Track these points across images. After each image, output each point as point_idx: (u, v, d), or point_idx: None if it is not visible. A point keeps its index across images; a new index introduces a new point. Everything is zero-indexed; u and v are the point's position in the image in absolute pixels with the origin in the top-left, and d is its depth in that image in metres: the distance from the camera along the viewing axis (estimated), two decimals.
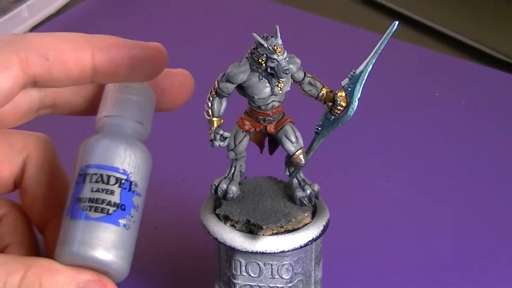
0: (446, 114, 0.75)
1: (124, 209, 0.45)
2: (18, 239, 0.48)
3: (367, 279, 0.58)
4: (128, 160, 0.45)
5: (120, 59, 0.46)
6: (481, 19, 0.91)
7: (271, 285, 0.50)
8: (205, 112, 0.48)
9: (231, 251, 0.49)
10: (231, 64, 0.47)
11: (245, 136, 0.49)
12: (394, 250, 0.61)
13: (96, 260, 0.44)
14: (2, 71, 0.43)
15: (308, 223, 0.49)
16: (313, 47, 0.83)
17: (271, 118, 0.49)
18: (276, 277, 0.50)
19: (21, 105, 0.48)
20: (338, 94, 0.48)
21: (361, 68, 0.48)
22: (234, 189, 0.50)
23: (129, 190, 0.45)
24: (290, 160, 0.49)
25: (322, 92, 0.48)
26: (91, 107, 0.49)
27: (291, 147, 0.49)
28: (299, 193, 0.50)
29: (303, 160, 0.49)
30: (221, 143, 0.49)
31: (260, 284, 0.50)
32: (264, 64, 0.46)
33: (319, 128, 0.49)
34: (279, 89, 0.47)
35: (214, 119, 0.48)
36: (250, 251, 0.48)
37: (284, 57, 0.46)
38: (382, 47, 0.47)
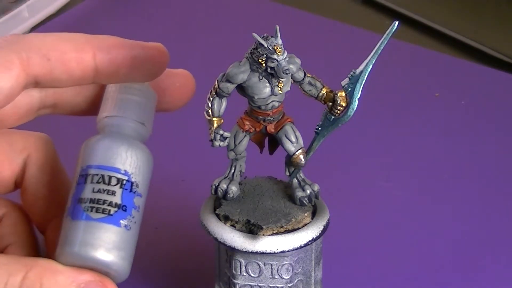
0: (446, 114, 0.75)
1: (125, 210, 0.45)
2: (18, 239, 0.48)
3: (367, 279, 0.58)
4: (129, 161, 0.45)
5: (121, 60, 0.46)
6: (481, 19, 0.91)
7: (271, 285, 0.50)
8: (205, 112, 0.48)
9: (231, 251, 0.49)
10: (231, 64, 0.47)
11: (245, 136, 0.49)
12: (394, 250, 0.61)
13: (97, 261, 0.44)
14: (3, 72, 0.43)
15: (308, 223, 0.49)
16: (313, 47, 0.83)
17: (271, 118, 0.49)
18: (276, 277, 0.50)
19: (22, 105, 0.48)
20: (338, 94, 0.48)
21: (361, 68, 0.48)
22: (234, 189, 0.50)
23: (130, 191, 0.45)
24: (290, 160, 0.49)
25: (322, 92, 0.48)
26: (92, 107, 0.49)
27: (291, 147, 0.49)
28: (299, 193, 0.50)
29: (303, 160, 0.49)
30: (221, 143, 0.49)
31: (260, 284, 0.50)
32: (264, 64, 0.46)
33: (319, 128, 0.49)
34: (279, 89, 0.47)
35: (214, 119, 0.48)
36: (250, 251, 0.48)
37: (284, 57, 0.46)
38: (382, 47, 0.47)
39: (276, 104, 0.48)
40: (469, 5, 0.93)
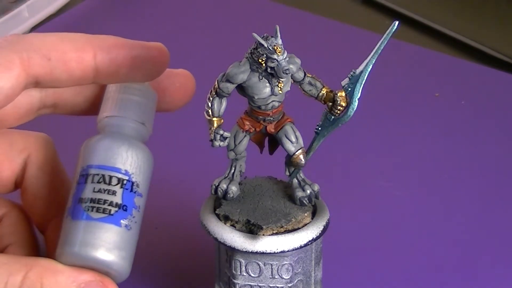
0: (446, 114, 0.75)
1: (125, 210, 0.45)
2: (18, 239, 0.48)
3: (367, 279, 0.58)
4: (130, 161, 0.45)
5: (121, 59, 0.46)
6: (481, 19, 0.91)
7: (271, 285, 0.50)
8: (205, 112, 0.48)
9: (231, 251, 0.49)
10: (231, 64, 0.47)
11: (245, 136, 0.49)
12: (394, 250, 0.61)
13: (97, 261, 0.44)
14: (4, 72, 0.43)
15: (308, 223, 0.49)
16: (313, 47, 0.83)
17: (271, 118, 0.49)
18: (276, 277, 0.50)
19: (22, 104, 0.48)
20: (338, 94, 0.48)
21: (361, 68, 0.48)
22: (234, 189, 0.50)
23: (131, 190, 0.45)
24: (290, 160, 0.49)
25: (322, 92, 0.48)
26: (92, 107, 0.49)
27: (291, 147, 0.49)
28: (299, 193, 0.50)
29: (303, 160, 0.49)
30: (221, 143, 0.49)
31: (260, 284, 0.50)
32: (264, 64, 0.46)
33: (319, 128, 0.49)
34: (279, 89, 0.47)
35: (214, 119, 0.48)
36: (250, 251, 0.48)
37: (284, 57, 0.46)
38: (382, 47, 0.47)
39: (276, 104, 0.48)
40: (469, 5, 0.93)
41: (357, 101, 0.48)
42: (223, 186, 0.50)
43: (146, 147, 0.47)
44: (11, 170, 0.49)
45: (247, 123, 0.49)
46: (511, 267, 0.59)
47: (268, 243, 0.48)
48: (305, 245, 0.49)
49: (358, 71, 0.48)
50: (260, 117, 0.49)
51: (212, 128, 0.48)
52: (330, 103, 0.48)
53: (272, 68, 0.46)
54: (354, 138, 0.70)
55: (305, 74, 0.48)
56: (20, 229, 0.49)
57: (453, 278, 0.58)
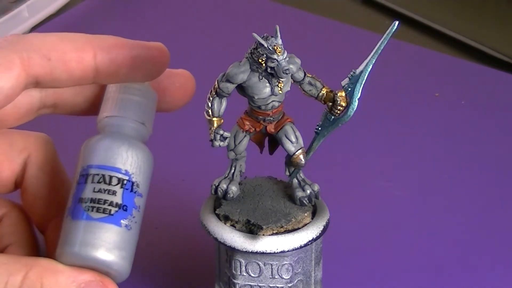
0: (446, 114, 0.75)
1: (126, 210, 0.45)
2: (18, 239, 0.48)
3: (367, 279, 0.58)
4: (130, 161, 0.45)
5: (121, 59, 0.46)
6: (481, 19, 0.91)
7: (271, 285, 0.50)
8: (205, 112, 0.48)
9: (231, 251, 0.49)
10: (231, 64, 0.47)
11: (245, 136, 0.49)
12: (394, 250, 0.61)
13: (98, 261, 0.44)
14: (4, 72, 0.43)
15: (308, 223, 0.49)
16: (313, 47, 0.83)
17: (271, 118, 0.49)
18: (276, 277, 0.50)
19: (22, 104, 0.48)
20: (338, 94, 0.48)
21: (361, 68, 0.48)
22: (234, 189, 0.50)
23: (131, 190, 0.45)
24: (290, 160, 0.49)
25: (322, 92, 0.48)
26: (92, 107, 0.49)
27: (291, 147, 0.49)
28: (299, 193, 0.50)
29: (303, 160, 0.49)
30: (221, 143, 0.49)
31: (260, 284, 0.50)
32: (264, 64, 0.46)
33: (319, 128, 0.49)
34: (279, 89, 0.47)
35: (214, 119, 0.48)
36: (250, 251, 0.48)
37: (284, 57, 0.46)
38: (382, 47, 0.47)
39: (276, 104, 0.48)
40: (469, 5, 0.93)
41: (357, 101, 0.48)
42: (223, 186, 0.50)
43: (146, 147, 0.47)
44: (11, 170, 0.49)
45: (247, 123, 0.49)
46: (511, 267, 0.59)
47: (268, 243, 0.48)
48: (305, 245, 0.49)
49: (358, 71, 0.48)
50: (260, 117, 0.49)
51: (212, 128, 0.48)
52: (330, 103, 0.48)
53: (272, 68, 0.46)
54: (354, 138, 0.70)
55: (305, 74, 0.48)
56: (20, 229, 0.49)
57: (453, 278, 0.58)
